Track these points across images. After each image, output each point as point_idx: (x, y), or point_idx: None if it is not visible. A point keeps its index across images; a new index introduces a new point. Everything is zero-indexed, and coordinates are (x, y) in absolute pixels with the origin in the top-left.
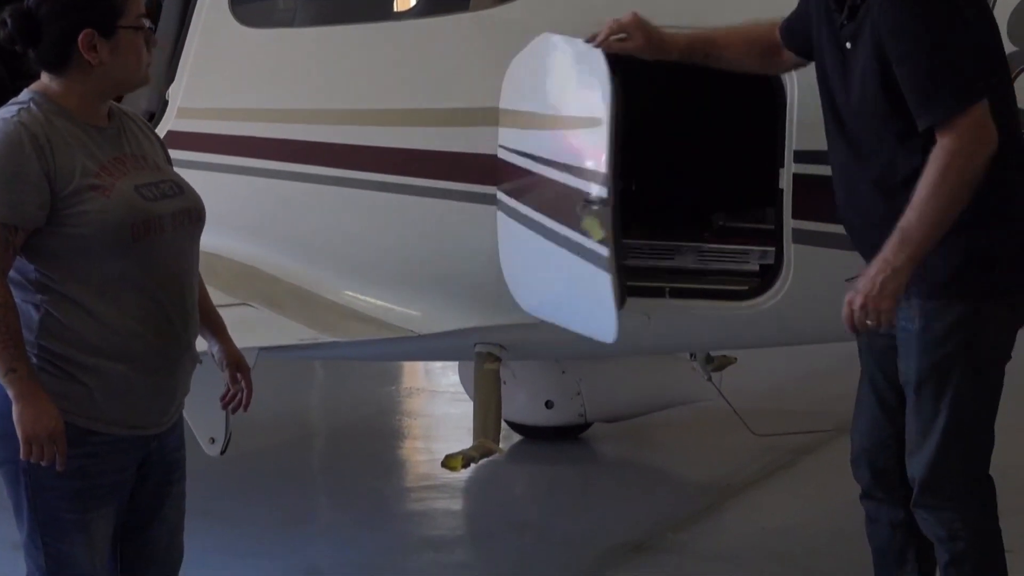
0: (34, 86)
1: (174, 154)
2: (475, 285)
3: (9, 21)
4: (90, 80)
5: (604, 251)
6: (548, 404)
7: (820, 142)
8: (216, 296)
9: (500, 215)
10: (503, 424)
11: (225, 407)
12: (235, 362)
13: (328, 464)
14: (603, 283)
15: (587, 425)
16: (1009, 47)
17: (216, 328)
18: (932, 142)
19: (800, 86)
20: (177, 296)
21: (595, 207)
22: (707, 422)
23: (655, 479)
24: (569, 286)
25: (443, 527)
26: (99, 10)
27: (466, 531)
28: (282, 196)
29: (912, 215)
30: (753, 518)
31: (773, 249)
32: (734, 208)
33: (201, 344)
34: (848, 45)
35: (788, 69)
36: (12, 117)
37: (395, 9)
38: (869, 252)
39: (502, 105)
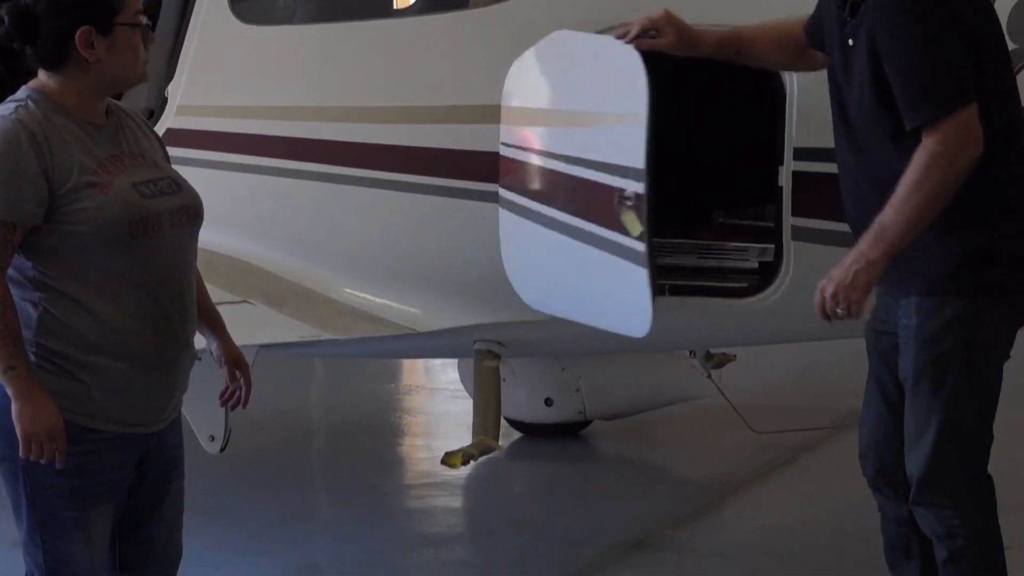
0: (31, 83)
1: (174, 151)
2: (474, 282)
3: (6, 18)
4: (88, 77)
5: (640, 247)
6: (548, 401)
7: (820, 139)
8: (215, 293)
9: (506, 213)
10: (503, 421)
11: (224, 404)
12: (234, 359)
13: (327, 461)
14: (639, 278)
15: (587, 422)
16: (1009, 44)
17: (215, 325)
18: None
19: (800, 83)
20: (175, 293)
21: (630, 203)
22: (706, 419)
23: (655, 476)
24: (596, 283)
25: (443, 524)
26: (96, 7)
27: (466, 528)
28: (282, 193)
29: (891, 211)
30: (753, 515)
31: (773, 246)
32: (734, 205)
33: (200, 341)
34: (850, 42)
35: (819, 67)
36: (10, 115)
37: (395, 6)
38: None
39: (510, 103)
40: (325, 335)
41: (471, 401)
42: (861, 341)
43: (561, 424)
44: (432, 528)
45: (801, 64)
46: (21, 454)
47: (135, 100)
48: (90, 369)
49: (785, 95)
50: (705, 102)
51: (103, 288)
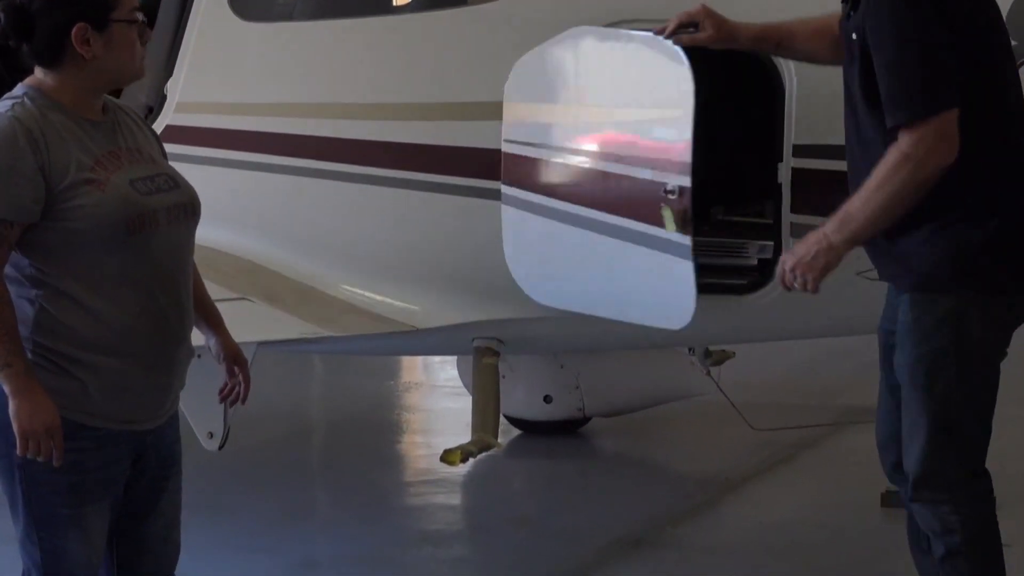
0: (28, 81)
1: (173, 148)
2: (473, 279)
3: (2, 16)
4: (84, 74)
5: (686, 240)
6: (547, 398)
7: (818, 137)
8: (214, 290)
9: (512, 210)
10: (502, 418)
11: (223, 400)
12: (232, 355)
13: (326, 459)
14: (683, 271)
15: (586, 419)
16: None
17: (213, 321)
18: None
19: (799, 81)
20: (172, 290)
21: (673, 197)
22: (705, 416)
23: (654, 473)
24: (628, 277)
25: (441, 521)
26: (92, 4)
27: (464, 526)
28: (281, 190)
29: (857, 201)
30: (752, 512)
31: (771, 243)
32: (733, 202)
33: (198, 338)
34: (854, 36)
35: None
36: (6, 112)
37: (394, 3)
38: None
39: (520, 100)
40: (324, 332)
41: (470, 398)
42: (859, 339)
43: (560, 421)
44: (431, 525)
45: (838, 58)
46: (18, 452)
47: (134, 97)
48: (87, 366)
49: (784, 92)
50: (704, 100)
51: (100, 285)
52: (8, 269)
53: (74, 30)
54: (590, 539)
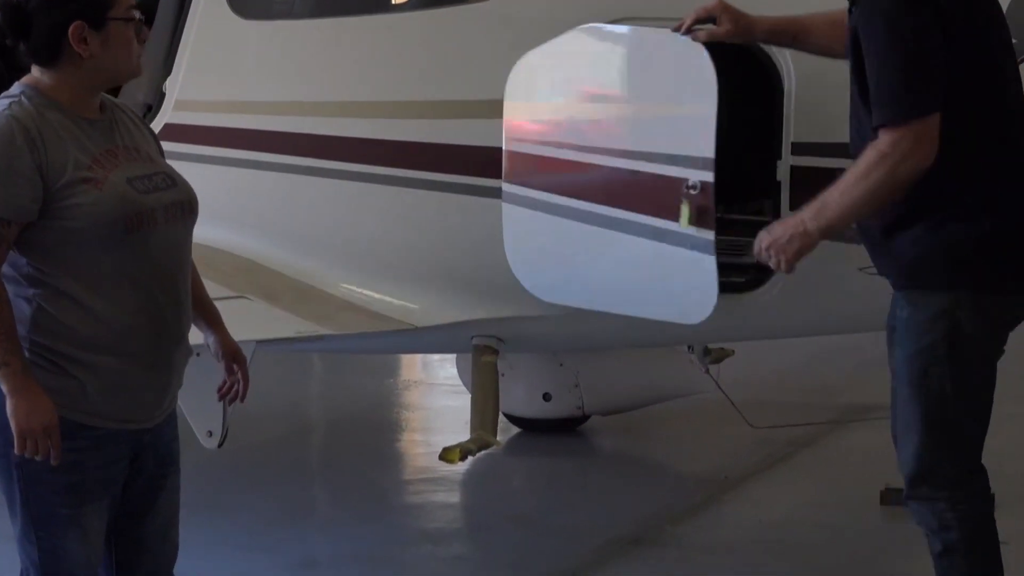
0: (25, 79)
1: (172, 147)
2: (472, 277)
3: None
4: (81, 73)
5: (708, 235)
6: (546, 397)
7: (818, 134)
8: (213, 289)
9: (514, 208)
10: (501, 417)
11: (222, 398)
12: (231, 353)
13: (326, 457)
14: (705, 266)
15: (585, 418)
16: None
17: (212, 319)
18: None
19: (798, 79)
20: (170, 289)
21: (695, 192)
22: (705, 415)
23: (653, 472)
24: (645, 273)
25: (441, 520)
26: (89, 2)
27: (464, 524)
28: (279, 189)
29: (835, 192)
30: (751, 511)
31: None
32: (731, 200)
33: (197, 336)
34: (851, 34)
35: None
36: (3, 111)
37: (393, 1)
38: (865, 232)
39: (525, 99)
40: (323, 330)
41: (469, 396)
42: (859, 336)
43: (559, 419)
44: (430, 523)
45: None
46: (16, 451)
47: (133, 95)
48: (84, 365)
49: (783, 90)
50: None
51: (98, 284)
52: (6, 268)
53: (71, 28)
54: (589, 537)
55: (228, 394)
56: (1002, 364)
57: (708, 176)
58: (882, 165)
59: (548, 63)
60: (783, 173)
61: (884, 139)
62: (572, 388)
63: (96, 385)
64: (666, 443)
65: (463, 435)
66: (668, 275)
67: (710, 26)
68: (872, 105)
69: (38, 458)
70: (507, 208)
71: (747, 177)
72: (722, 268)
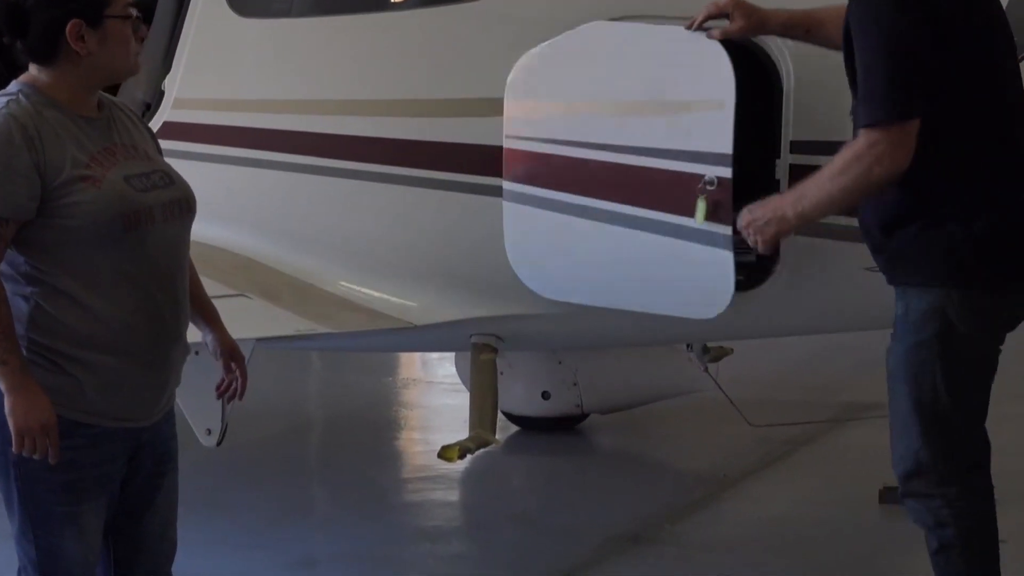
0: (23, 78)
1: (171, 145)
2: (471, 275)
3: None
4: (79, 71)
5: (726, 230)
6: (545, 395)
7: (816, 133)
8: (212, 287)
9: (517, 207)
10: (499, 415)
11: (220, 396)
12: (229, 351)
13: (324, 455)
14: (721, 260)
15: (584, 416)
16: None
17: (210, 317)
18: None
19: (796, 77)
20: (168, 287)
21: (712, 188)
22: (704, 413)
23: (652, 470)
24: (657, 269)
25: (440, 518)
26: (86, 0)
27: (463, 522)
28: (278, 187)
29: (813, 184)
30: (750, 509)
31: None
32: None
33: (195, 334)
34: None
35: None
36: (1, 109)
37: (390, 0)
38: (866, 231)
39: (530, 96)
40: (321, 329)
41: (468, 395)
42: (857, 335)
43: (558, 418)
44: (429, 522)
45: None
46: (14, 449)
47: (132, 93)
48: (82, 364)
49: (782, 89)
50: None
51: (95, 282)
52: (3, 266)
53: (69, 26)
54: (588, 535)
55: (226, 392)
56: (1002, 363)
57: (725, 172)
58: (857, 165)
59: (556, 60)
60: (782, 171)
61: (862, 139)
62: (571, 386)
63: (94, 383)
64: (665, 441)
65: (462, 433)
66: (682, 270)
67: (723, 22)
68: (859, 104)
69: (36, 456)
70: (508, 206)
71: (746, 175)
72: None
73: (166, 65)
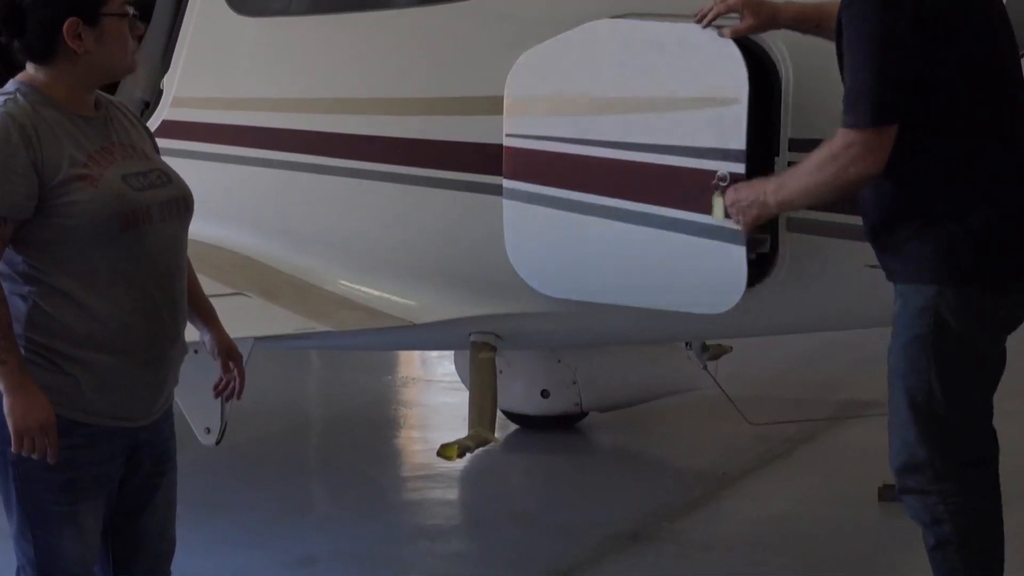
0: (20, 76)
1: (170, 144)
2: (471, 274)
3: None
4: (76, 69)
5: (738, 225)
6: (544, 393)
7: (815, 131)
8: (211, 286)
9: (519, 205)
10: (499, 413)
11: (218, 396)
12: (227, 350)
13: (324, 454)
14: (735, 255)
15: (583, 414)
16: None
17: (207, 316)
18: None
19: (795, 75)
20: (166, 286)
21: (725, 184)
22: (703, 411)
23: (651, 468)
24: (666, 265)
25: (439, 516)
26: None
27: (462, 520)
28: (277, 185)
29: (793, 175)
30: (749, 507)
31: (768, 237)
32: None
33: (193, 333)
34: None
35: None
36: None
37: None
38: (866, 226)
39: (536, 94)
40: (321, 327)
41: (467, 393)
42: (856, 333)
43: (557, 416)
44: (428, 520)
45: None
46: (13, 449)
47: (130, 92)
48: (79, 363)
49: (781, 86)
50: None
51: (93, 281)
52: (1, 266)
53: (66, 25)
54: (587, 534)
55: (224, 392)
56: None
57: (739, 168)
58: (831, 165)
59: (562, 57)
60: (781, 169)
61: (839, 139)
62: (570, 385)
63: (92, 383)
64: (664, 439)
65: (461, 432)
66: (693, 265)
67: (733, 22)
68: (842, 101)
69: (36, 456)
70: (506, 204)
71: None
72: None
73: (165, 63)
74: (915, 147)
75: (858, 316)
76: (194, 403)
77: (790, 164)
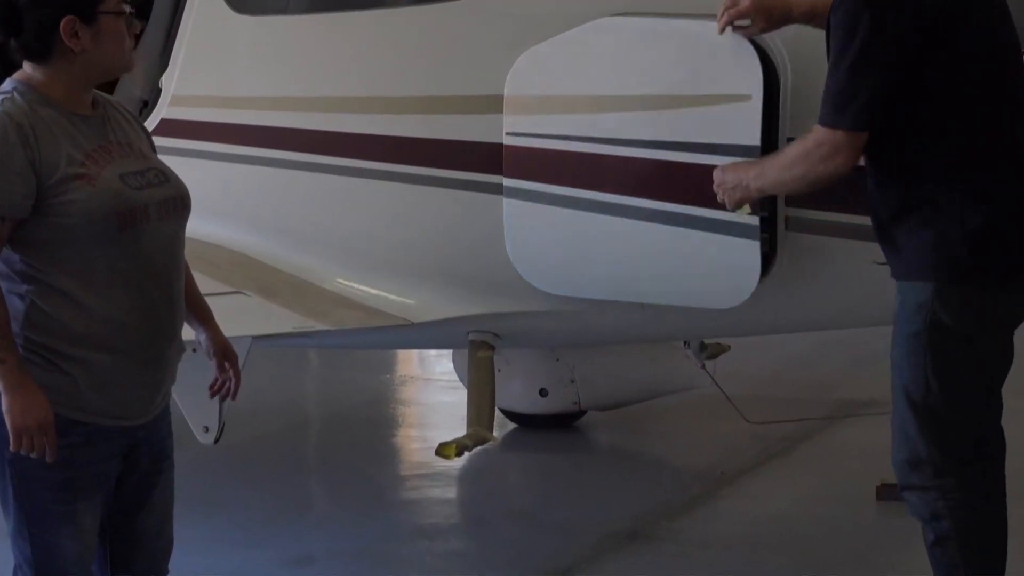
0: (17, 76)
1: (169, 142)
2: (469, 273)
3: None
4: (73, 68)
5: (754, 220)
6: (542, 392)
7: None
8: (209, 285)
9: (520, 204)
10: (497, 412)
11: (213, 396)
12: (222, 350)
13: (322, 453)
14: (748, 250)
15: (581, 413)
16: None
17: (203, 316)
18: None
19: (794, 74)
20: (163, 285)
21: None
22: (701, 410)
23: (649, 467)
24: (676, 261)
25: (437, 515)
26: None
27: (460, 519)
28: (276, 184)
29: (772, 163)
30: (748, 506)
31: (767, 236)
32: None
33: (189, 333)
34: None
35: None
36: None
37: None
38: (873, 223)
39: (538, 92)
40: (319, 326)
41: (465, 392)
42: (855, 332)
43: (556, 415)
44: (427, 519)
45: None
46: (11, 448)
47: (129, 91)
48: (77, 362)
49: (779, 85)
50: None
51: (90, 280)
52: None
53: (62, 23)
54: (586, 532)
55: (220, 391)
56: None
57: None
58: (804, 161)
59: (568, 55)
60: None
61: (812, 136)
62: (568, 384)
63: (90, 382)
64: (662, 438)
65: (459, 431)
66: (705, 260)
67: (746, 26)
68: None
69: (34, 455)
70: (507, 203)
71: None
72: None
73: (163, 62)
74: (915, 145)
75: (857, 315)
76: (192, 402)
77: None
